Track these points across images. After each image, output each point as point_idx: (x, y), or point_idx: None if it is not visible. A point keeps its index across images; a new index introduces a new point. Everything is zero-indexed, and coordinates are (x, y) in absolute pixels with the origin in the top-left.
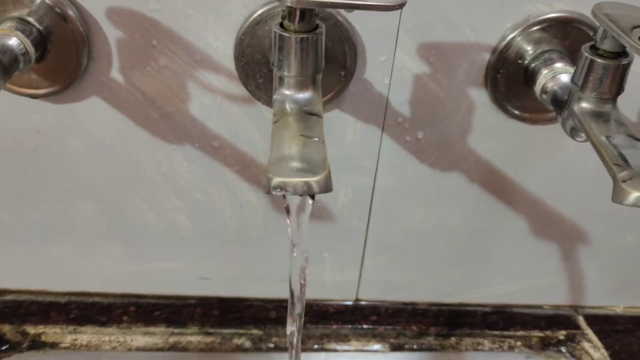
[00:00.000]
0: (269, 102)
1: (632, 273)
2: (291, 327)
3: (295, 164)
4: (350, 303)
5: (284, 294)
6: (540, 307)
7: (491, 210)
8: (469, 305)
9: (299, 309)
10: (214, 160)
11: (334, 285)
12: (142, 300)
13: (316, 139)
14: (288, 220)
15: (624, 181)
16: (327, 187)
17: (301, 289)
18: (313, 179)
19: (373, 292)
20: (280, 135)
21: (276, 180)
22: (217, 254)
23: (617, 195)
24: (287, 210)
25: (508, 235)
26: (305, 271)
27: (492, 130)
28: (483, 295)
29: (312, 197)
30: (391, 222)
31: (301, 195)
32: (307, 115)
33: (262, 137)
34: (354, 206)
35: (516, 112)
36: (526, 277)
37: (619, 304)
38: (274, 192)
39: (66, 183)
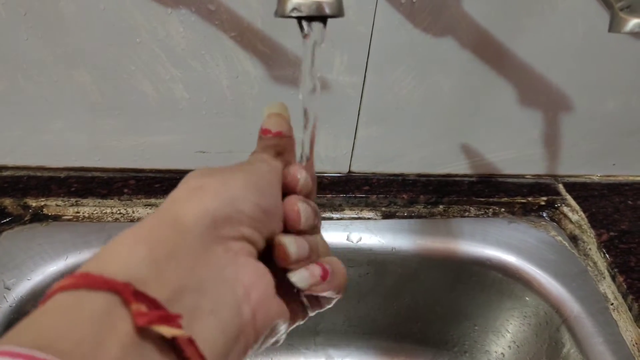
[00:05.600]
0: None
1: (607, 144)
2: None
3: None
4: (343, 175)
5: None
6: (522, 176)
7: (480, 78)
8: (456, 175)
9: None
10: (210, 26)
11: (328, 158)
12: (141, 175)
13: None
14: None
15: (622, 9)
16: (339, 10)
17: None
18: (325, 0)
19: (365, 165)
20: None
21: (293, 1)
22: (213, 125)
23: (616, 25)
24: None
25: (495, 104)
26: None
27: None
28: (469, 166)
29: (324, 21)
30: (384, 91)
31: (314, 18)
32: None
33: (259, 1)
34: (349, 74)
35: None
36: (510, 148)
37: (596, 173)
38: (289, 14)
39: (59, 51)
